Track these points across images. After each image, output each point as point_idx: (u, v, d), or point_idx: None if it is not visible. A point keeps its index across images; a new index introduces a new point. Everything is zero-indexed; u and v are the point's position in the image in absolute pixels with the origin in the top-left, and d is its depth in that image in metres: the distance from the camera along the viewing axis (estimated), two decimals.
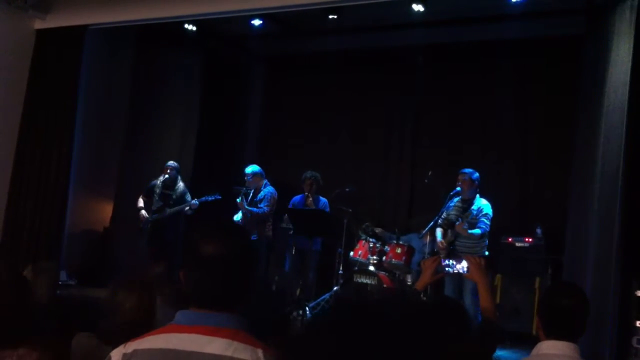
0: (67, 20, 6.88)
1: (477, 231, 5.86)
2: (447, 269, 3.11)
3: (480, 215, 5.93)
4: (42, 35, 6.98)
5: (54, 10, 6.95)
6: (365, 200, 7.77)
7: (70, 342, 2.46)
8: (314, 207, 7.17)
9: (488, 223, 5.92)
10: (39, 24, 6.99)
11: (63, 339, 2.38)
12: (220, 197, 7.40)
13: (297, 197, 7.40)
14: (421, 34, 7.55)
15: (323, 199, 7.28)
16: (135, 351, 1.59)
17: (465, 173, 6.07)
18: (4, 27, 6.73)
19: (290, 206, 7.32)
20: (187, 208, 7.40)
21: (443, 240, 6.12)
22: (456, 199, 6.15)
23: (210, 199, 7.37)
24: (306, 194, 7.26)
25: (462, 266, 3.06)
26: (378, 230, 7.27)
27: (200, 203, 7.36)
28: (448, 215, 6.14)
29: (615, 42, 5.13)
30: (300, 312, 6.37)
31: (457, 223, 5.89)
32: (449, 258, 3.14)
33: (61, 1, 6.94)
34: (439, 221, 6.22)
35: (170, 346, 1.56)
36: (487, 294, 2.88)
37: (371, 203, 8.05)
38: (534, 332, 4.61)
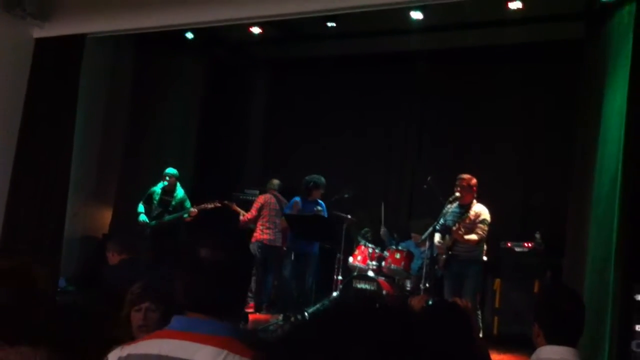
0: (66, 29, 6.87)
1: (473, 237, 5.86)
2: None
3: (478, 220, 5.91)
4: (41, 44, 6.97)
5: (52, 19, 6.93)
6: (365, 206, 7.77)
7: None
8: (305, 214, 7.12)
9: (485, 229, 5.91)
10: (37, 33, 6.97)
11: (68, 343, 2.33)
12: (219, 204, 7.43)
13: (292, 200, 7.37)
14: (422, 39, 7.58)
15: (321, 203, 7.26)
16: (129, 355, 1.61)
17: (463, 178, 6.04)
18: (3, 36, 6.73)
19: (286, 209, 7.33)
20: (185, 215, 7.43)
21: (442, 242, 6.12)
22: (454, 205, 6.14)
23: (209, 206, 7.40)
24: (297, 199, 7.23)
25: None
26: (382, 230, 7.25)
27: (199, 210, 7.39)
28: (446, 221, 6.13)
29: (614, 47, 5.14)
30: (299, 317, 6.36)
31: (454, 228, 5.89)
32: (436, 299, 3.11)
33: (60, 10, 6.93)
34: (437, 227, 6.21)
35: (162, 352, 1.57)
36: (477, 337, 2.83)
37: (371, 208, 8.05)
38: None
